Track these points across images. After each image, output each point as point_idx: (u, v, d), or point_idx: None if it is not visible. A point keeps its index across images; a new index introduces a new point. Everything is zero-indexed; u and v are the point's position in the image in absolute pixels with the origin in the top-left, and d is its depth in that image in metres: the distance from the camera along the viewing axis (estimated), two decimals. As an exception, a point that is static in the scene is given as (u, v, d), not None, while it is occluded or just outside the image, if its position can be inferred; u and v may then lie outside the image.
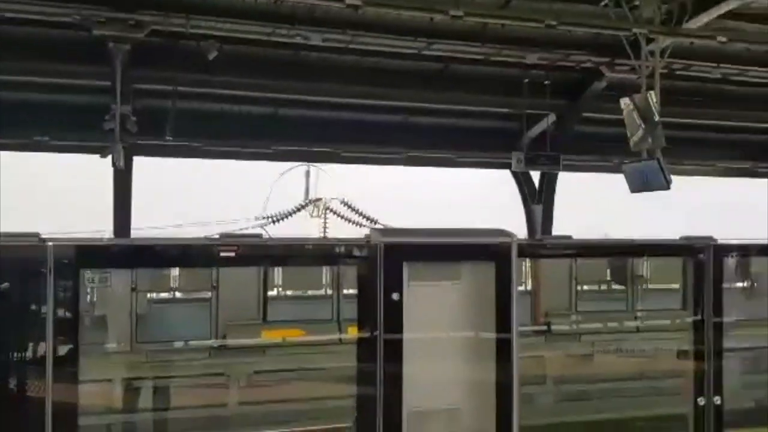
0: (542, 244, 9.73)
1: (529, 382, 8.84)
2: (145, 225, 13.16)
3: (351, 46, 12.04)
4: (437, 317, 3.94)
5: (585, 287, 16.29)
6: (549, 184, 16.03)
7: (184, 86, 11.93)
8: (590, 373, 10.20)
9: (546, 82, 14.08)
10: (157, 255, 4.01)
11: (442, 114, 15.05)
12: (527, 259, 13.27)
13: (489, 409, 3.86)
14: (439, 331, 3.92)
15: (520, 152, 14.95)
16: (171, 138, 11.99)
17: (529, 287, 13.67)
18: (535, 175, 16.16)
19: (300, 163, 19.03)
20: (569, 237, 7.54)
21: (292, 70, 12.83)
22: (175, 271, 15.34)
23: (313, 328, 9.51)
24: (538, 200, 16.17)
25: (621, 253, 8.34)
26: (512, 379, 3.81)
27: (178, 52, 11.24)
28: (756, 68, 13.96)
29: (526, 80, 13.77)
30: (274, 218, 20.77)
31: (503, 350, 3.87)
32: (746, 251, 5.24)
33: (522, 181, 16.28)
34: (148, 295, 10.01)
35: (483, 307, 3.95)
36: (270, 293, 16.41)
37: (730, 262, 11.76)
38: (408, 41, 11.99)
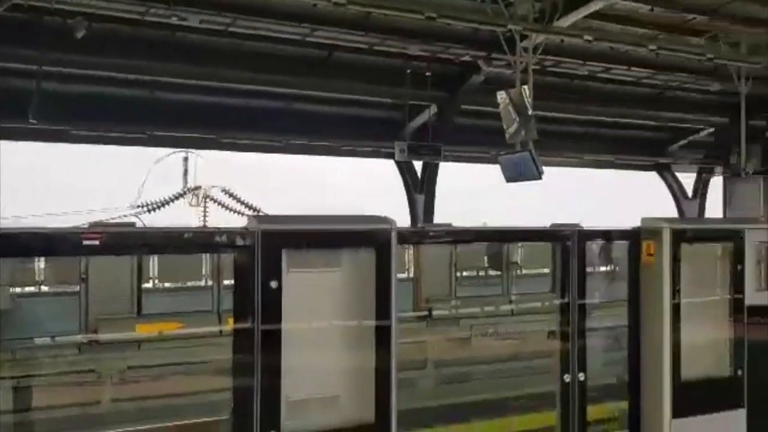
0: (421, 231, 9.97)
1: (410, 367, 9.06)
2: (10, 214, 12.17)
3: (231, 29, 11.69)
4: (317, 305, 3.90)
5: (464, 273, 16.98)
6: (431, 173, 16.41)
7: (50, 66, 11.10)
8: (469, 356, 10.58)
9: (428, 74, 14.36)
10: (18, 245, 3.66)
11: (326, 102, 14.97)
12: (410, 247, 13.65)
13: (368, 396, 3.88)
14: (319, 319, 3.89)
15: (403, 142, 15.21)
16: (35, 121, 11.13)
17: (411, 274, 14.06)
18: (418, 165, 16.52)
19: (177, 149, 18.27)
20: (449, 225, 7.76)
21: (168, 51, 12.27)
22: (41, 264, 14.36)
23: (191, 320, 9.22)
24: (420, 189, 16.52)
25: (495, 239, 8.63)
26: (391, 365, 3.85)
27: (43, 29, 10.42)
28: (618, 66, 14.97)
29: (409, 71, 13.98)
30: (150, 207, 19.86)
31: (382, 337, 3.89)
32: (608, 237, 5.60)
33: (405, 170, 16.56)
34: (11, 289, 9.34)
35: (363, 294, 3.96)
36: (145, 285, 15.79)
37: (595, 247, 12.76)
38: (291, 26, 11.81)
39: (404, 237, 5.03)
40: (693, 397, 5.02)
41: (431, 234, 7.74)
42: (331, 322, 3.96)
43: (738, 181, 19.27)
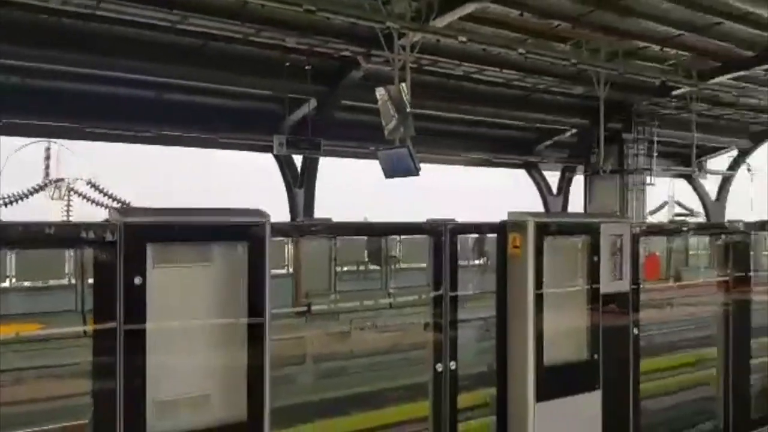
0: (298, 225, 9.90)
1: (289, 363, 8.98)
2: None
3: (98, 12, 11.02)
4: (186, 302, 3.74)
5: (345, 268, 17.10)
6: (310, 168, 16.34)
7: None
8: (348, 350, 10.64)
9: (307, 67, 14.28)
10: None
11: (201, 92, 14.50)
12: (289, 243, 13.55)
13: (241, 394, 3.78)
14: (188, 316, 3.74)
15: (282, 135, 15.04)
16: None
17: (291, 269, 13.96)
18: (298, 160, 16.39)
19: (39, 139, 17.00)
20: (328, 219, 7.75)
21: (29, 34, 11.40)
22: None
23: (54, 320, 8.63)
24: (300, 184, 16.41)
25: (372, 234, 8.72)
26: (264, 362, 3.77)
27: None
28: (491, 68, 15.59)
29: (287, 64, 13.82)
30: (6, 200, 18.36)
31: (255, 334, 3.80)
32: (478, 230, 5.81)
33: (284, 164, 16.39)
34: None
35: (236, 290, 3.84)
36: (2, 285, 14.63)
37: (469, 241, 13.27)
38: (162, 12, 11.31)
39: (280, 231, 4.95)
40: (555, 381, 5.30)
41: (310, 228, 7.72)
42: (201, 319, 3.81)
43: (597, 178, 20.72)
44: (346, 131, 16.37)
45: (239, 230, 3.82)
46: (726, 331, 6.81)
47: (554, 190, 23.13)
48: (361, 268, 18.26)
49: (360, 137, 16.32)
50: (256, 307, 3.81)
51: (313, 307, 11.66)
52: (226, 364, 3.85)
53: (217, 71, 13.59)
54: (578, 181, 22.30)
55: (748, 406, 6.93)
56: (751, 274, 7.13)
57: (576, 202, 22.38)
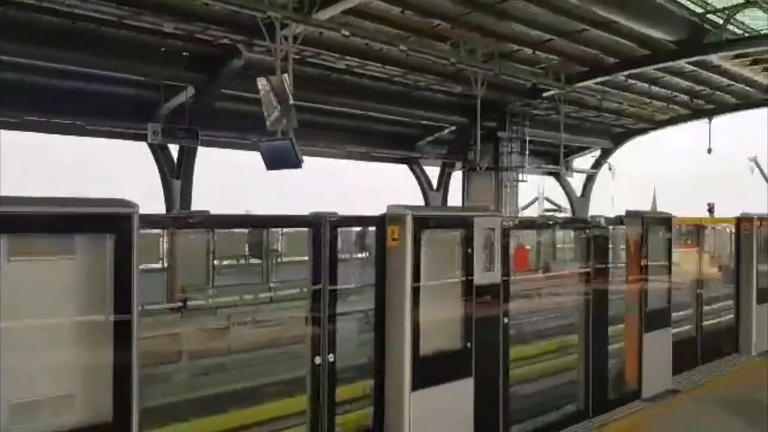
0: (171, 217, 9.53)
1: (163, 360, 8.62)
2: None
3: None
4: (46, 297, 3.50)
5: (223, 262, 16.66)
6: (188, 158, 15.76)
7: None
8: (227, 346, 10.38)
9: (184, 54, 13.75)
10: None
11: (68, 76, 13.56)
12: (164, 235, 12.99)
13: (107, 394, 3.58)
14: (48, 313, 3.49)
15: (157, 124, 14.37)
16: None
17: (166, 264, 13.39)
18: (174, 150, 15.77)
19: None
20: (206, 212, 7.48)
21: None
22: None
23: None
24: (177, 175, 15.80)
25: (250, 226, 8.54)
26: (131, 360, 3.59)
27: None
28: (373, 63, 15.74)
29: (164, 49, 13.23)
30: None
31: (122, 331, 3.61)
32: (358, 223, 5.85)
33: (159, 154, 15.71)
34: None
35: (102, 285, 3.63)
36: None
37: (353, 234, 13.34)
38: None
39: (151, 223, 4.74)
40: (430, 370, 5.45)
41: (185, 220, 7.44)
42: (63, 315, 3.57)
43: (474, 174, 21.53)
44: (226, 121, 15.95)
45: (103, 221, 3.60)
46: (586, 319, 7.30)
47: (435, 185, 23.80)
48: (242, 261, 17.88)
49: (241, 128, 15.95)
50: (122, 303, 3.62)
51: (189, 303, 11.26)
52: (90, 363, 3.64)
53: (86, 54, 12.75)
54: (457, 177, 23.07)
55: (605, 388, 7.47)
56: (610, 266, 7.70)
57: (456, 197, 23.13)
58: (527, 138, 21.93)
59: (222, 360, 9.89)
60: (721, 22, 15.71)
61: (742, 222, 10.19)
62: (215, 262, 14.51)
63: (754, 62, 18.96)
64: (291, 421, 6.58)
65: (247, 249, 17.65)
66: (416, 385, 5.31)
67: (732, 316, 10.31)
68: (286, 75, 12.15)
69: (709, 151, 24.04)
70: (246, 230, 15.98)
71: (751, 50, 17.40)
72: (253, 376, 9.05)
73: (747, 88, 21.78)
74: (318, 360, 5.02)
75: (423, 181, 23.55)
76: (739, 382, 8.57)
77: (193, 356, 9.76)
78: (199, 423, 7.26)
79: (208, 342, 10.60)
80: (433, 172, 23.92)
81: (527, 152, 22.08)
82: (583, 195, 28.08)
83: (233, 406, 7.78)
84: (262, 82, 12.42)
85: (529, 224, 13.48)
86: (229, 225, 10.63)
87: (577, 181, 27.84)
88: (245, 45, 13.46)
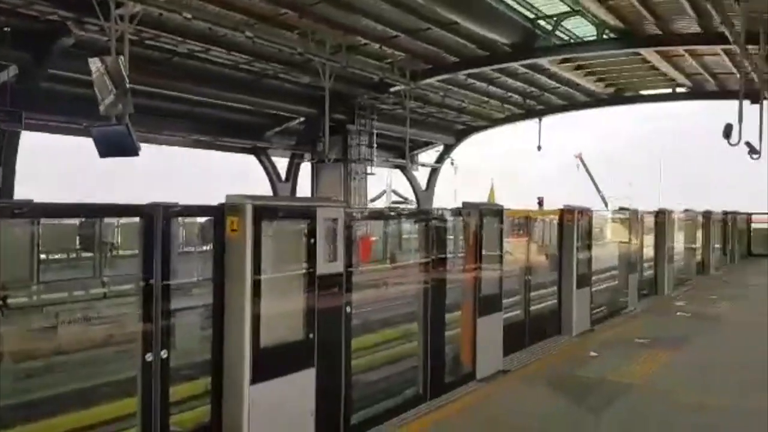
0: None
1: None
2: None
3: None
4: None
5: (50, 256, 15.38)
6: (10, 142, 14.35)
7: None
8: (55, 346, 9.62)
9: (6, 29, 12.48)
10: None
11: None
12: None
13: None
14: None
15: (-29, 105, 12.96)
16: None
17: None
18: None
19: None
20: (30, 201, 6.84)
21: None
22: None
23: None
24: (-1, 161, 14.35)
25: (72, 215, 7.96)
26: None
27: None
28: (217, 48, 15.23)
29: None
30: None
31: None
32: (193, 213, 5.63)
33: (-23, 138, 14.17)
34: None
35: None
36: None
37: (196, 227, 12.83)
38: None
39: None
40: (271, 363, 5.39)
41: (6, 210, 6.76)
42: None
43: (323, 166, 21.58)
44: (54, 104, 14.75)
45: None
46: (425, 307, 7.58)
47: (283, 176, 23.58)
48: (72, 255, 16.64)
49: (71, 111, 14.82)
50: None
51: (10, 300, 10.28)
52: None
53: None
54: (306, 168, 23.01)
55: (442, 372, 7.81)
56: (449, 255, 8.05)
57: (305, 189, 23.07)
58: (375, 131, 22.34)
59: (49, 361, 9.18)
60: (550, 28, 16.95)
61: (565, 214, 11.09)
62: (42, 255, 13.39)
63: (578, 67, 20.70)
64: (123, 423, 6.24)
65: (78, 241, 16.48)
66: (255, 379, 5.23)
67: (556, 300, 11.19)
68: (122, 57, 11.43)
69: (539, 148, 25.92)
70: (77, 222, 14.89)
71: (575, 55, 18.99)
72: (83, 378, 8.50)
73: (572, 90, 23.75)
74: (149, 357, 4.79)
75: (271, 171, 23.26)
76: (561, 360, 9.33)
77: (15, 359, 8.96)
78: (23, 430, 6.70)
79: (33, 342, 9.78)
80: (282, 163, 23.74)
81: (375, 145, 22.50)
82: (427, 188, 29.16)
83: (60, 410, 7.27)
84: (95, 63, 11.59)
85: (375, 215, 13.76)
86: (55, 214, 9.87)
87: (422, 175, 28.89)
88: (75, 23, 12.48)
